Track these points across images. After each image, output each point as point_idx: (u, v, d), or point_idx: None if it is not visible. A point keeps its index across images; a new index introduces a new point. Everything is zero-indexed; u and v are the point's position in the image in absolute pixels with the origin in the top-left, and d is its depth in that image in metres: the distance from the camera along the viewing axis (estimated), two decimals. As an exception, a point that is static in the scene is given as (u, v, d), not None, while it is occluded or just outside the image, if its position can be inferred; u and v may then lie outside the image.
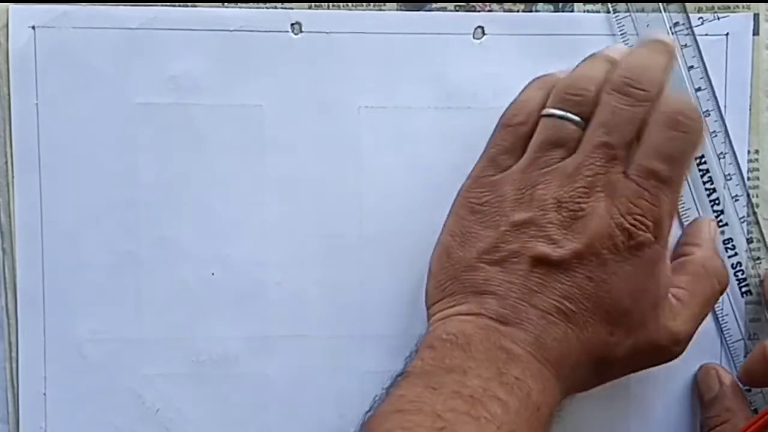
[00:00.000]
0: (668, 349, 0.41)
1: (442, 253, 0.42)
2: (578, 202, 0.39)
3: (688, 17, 0.45)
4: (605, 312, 0.39)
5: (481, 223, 0.41)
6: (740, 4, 0.45)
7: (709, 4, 0.45)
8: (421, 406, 0.36)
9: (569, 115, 0.40)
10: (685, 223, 0.45)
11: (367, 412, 0.38)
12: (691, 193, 0.45)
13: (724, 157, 0.45)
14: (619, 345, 0.40)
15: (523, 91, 0.43)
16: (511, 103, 0.42)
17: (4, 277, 0.43)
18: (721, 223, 0.45)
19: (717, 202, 0.45)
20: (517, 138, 0.41)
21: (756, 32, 0.45)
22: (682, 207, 0.45)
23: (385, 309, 0.44)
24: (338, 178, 0.44)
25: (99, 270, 0.43)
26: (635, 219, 0.39)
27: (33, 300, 0.43)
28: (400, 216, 0.44)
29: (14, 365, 0.43)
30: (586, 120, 0.40)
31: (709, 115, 0.45)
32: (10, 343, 0.43)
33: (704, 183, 0.45)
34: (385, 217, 0.44)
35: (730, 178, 0.45)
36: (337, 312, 0.44)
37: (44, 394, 0.43)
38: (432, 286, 0.42)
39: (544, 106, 0.41)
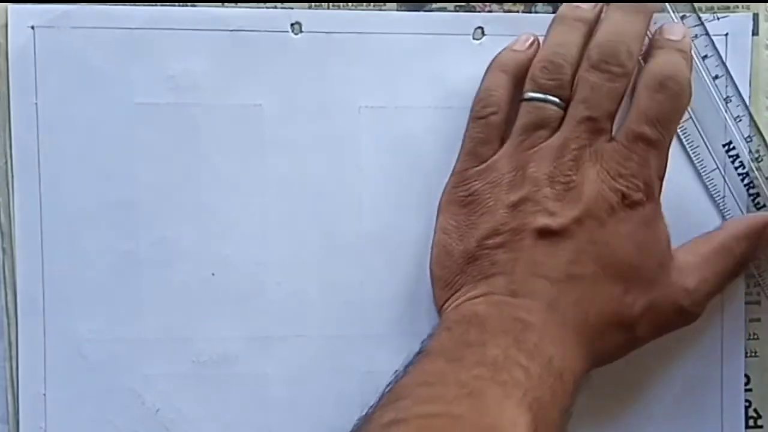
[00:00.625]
0: (686, 310, 0.42)
1: (441, 253, 0.42)
2: (568, 175, 0.40)
3: (694, 7, 0.44)
4: (615, 271, 0.40)
5: (475, 213, 0.41)
6: (739, 5, 0.45)
7: (709, 4, 0.45)
8: (444, 378, 0.37)
9: (549, 97, 0.41)
10: (723, 211, 0.45)
11: (388, 385, 0.39)
12: (724, 180, 0.45)
13: (751, 140, 0.45)
14: (636, 303, 0.40)
15: (485, 77, 0.43)
16: (478, 93, 0.43)
17: (4, 277, 0.43)
18: (759, 206, 0.45)
19: (751, 185, 0.45)
20: (491, 128, 0.42)
21: (755, 32, 0.45)
22: (718, 195, 0.45)
23: (385, 309, 0.44)
24: (338, 178, 0.44)
25: (99, 270, 0.43)
26: (627, 180, 0.40)
27: (33, 300, 0.43)
28: (400, 216, 0.44)
29: (14, 365, 0.43)
30: (566, 100, 0.41)
31: (731, 101, 0.45)
32: (9, 343, 0.43)
33: (736, 168, 0.45)
34: (385, 216, 0.44)
35: (761, 159, 0.45)
36: (337, 312, 0.44)
37: (44, 394, 0.43)
38: (439, 288, 0.42)
39: (510, 90, 0.42)
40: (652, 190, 0.41)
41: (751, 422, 0.46)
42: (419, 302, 0.44)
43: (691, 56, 0.42)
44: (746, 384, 0.46)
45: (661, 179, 0.41)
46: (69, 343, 0.43)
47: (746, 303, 0.46)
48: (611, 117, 0.41)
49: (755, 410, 0.46)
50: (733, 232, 0.43)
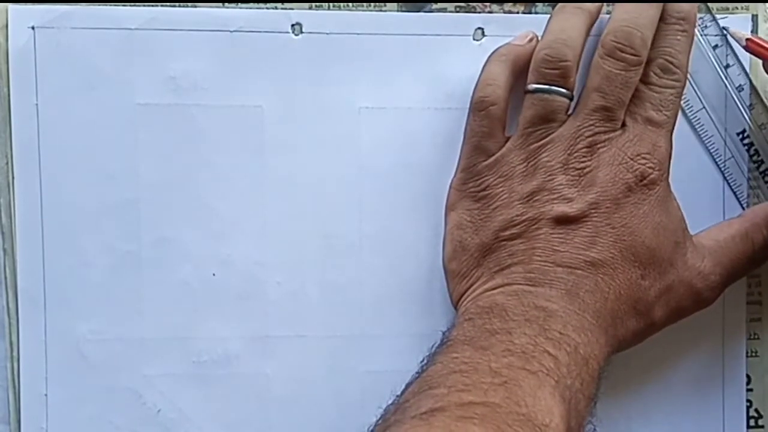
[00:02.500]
0: (700, 293, 0.42)
1: (456, 248, 0.42)
2: (583, 161, 0.40)
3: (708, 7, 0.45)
4: (632, 255, 0.40)
5: (489, 207, 0.41)
6: (739, 5, 0.45)
7: (708, 5, 0.45)
8: (476, 365, 0.37)
9: (555, 88, 0.41)
10: (741, 199, 0.45)
11: (416, 373, 0.38)
12: (740, 169, 0.45)
13: (765, 128, 0.45)
14: (653, 287, 0.41)
15: (484, 68, 0.43)
16: (477, 84, 0.43)
17: (5, 277, 0.43)
18: None
19: (767, 172, 0.45)
20: (492, 121, 0.42)
21: (755, 32, 0.45)
22: (734, 184, 0.45)
23: (385, 309, 0.44)
24: (338, 179, 0.44)
25: (100, 270, 0.43)
26: (643, 158, 0.40)
27: (34, 300, 0.43)
28: (400, 216, 0.44)
29: (15, 365, 0.43)
30: (571, 87, 0.41)
31: (743, 90, 0.45)
32: (11, 343, 0.43)
33: (751, 156, 0.45)
34: (385, 217, 0.44)
35: None
36: (337, 312, 0.44)
37: (45, 394, 0.43)
38: (455, 283, 0.42)
39: (509, 79, 0.42)
40: (664, 168, 0.41)
41: (752, 422, 0.46)
42: (419, 302, 0.44)
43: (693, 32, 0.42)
44: (747, 384, 0.46)
45: (670, 157, 0.42)
46: (70, 344, 0.43)
47: (747, 303, 0.46)
48: (624, 105, 0.41)
49: (756, 410, 0.46)
50: (753, 220, 0.43)
